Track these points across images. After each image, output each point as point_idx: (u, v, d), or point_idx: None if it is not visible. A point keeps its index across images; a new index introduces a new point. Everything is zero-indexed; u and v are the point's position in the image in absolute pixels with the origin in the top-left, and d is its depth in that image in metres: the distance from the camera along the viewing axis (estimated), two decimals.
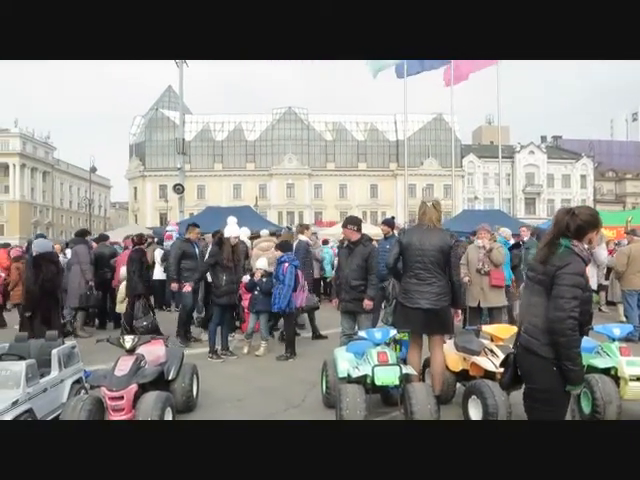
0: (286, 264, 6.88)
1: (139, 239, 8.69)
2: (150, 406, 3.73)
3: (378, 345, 4.40)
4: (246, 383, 5.71)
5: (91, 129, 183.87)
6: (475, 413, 4.10)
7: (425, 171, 61.04)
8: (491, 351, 4.54)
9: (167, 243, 11.05)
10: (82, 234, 9.71)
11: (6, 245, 13.33)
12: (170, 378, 4.51)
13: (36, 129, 68.89)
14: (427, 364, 5.09)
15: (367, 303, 5.54)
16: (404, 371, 4.15)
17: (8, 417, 3.63)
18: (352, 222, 5.82)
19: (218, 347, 6.83)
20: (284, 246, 7.32)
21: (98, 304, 8.95)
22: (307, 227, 9.71)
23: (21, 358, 4.24)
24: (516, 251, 9.54)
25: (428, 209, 4.75)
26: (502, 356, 4.37)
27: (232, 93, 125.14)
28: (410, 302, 4.65)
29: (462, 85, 25.75)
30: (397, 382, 4.09)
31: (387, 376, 4.08)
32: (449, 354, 4.91)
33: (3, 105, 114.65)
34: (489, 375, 4.39)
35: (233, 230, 7.21)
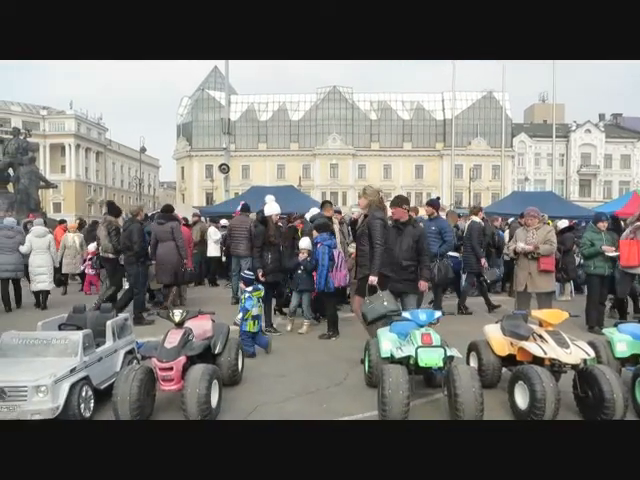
0: (319, 244, 6.92)
1: (289, 217, 8.81)
2: (198, 378, 3.85)
3: (422, 326, 4.36)
4: (289, 359, 5.81)
5: (140, 110, 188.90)
6: (521, 399, 4.00)
7: (473, 151, 59.22)
8: (540, 336, 4.40)
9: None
10: (171, 210, 9.00)
11: (62, 221, 14.15)
12: (217, 352, 4.63)
13: (89, 111, 71.57)
14: (472, 347, 5.01)
15: (423, 284, 5.76)
16: (449, 353, 4.09)
17: (67, 383, 3.84)
18: (406, 202, 5.96)
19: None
20: (321, 227, 7.32)
21: (193, 279, 9.11)
22: (480, 209, 9.71)
23: (78, 328, 4.47)
24: (569, 234, 9.17)
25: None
26: (552, 342, 4.25)
27: (277, 72, 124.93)
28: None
29: (514, 61, 24.60)
30: (441, 364, 4.04)
31: (431, 358, 4.04)
32: (495, 338, 4.81)
33: (59, 88, 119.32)
34: (537, 361, 4.26)
35: (274, 208, 7.26)
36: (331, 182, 61.25)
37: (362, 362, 5.06)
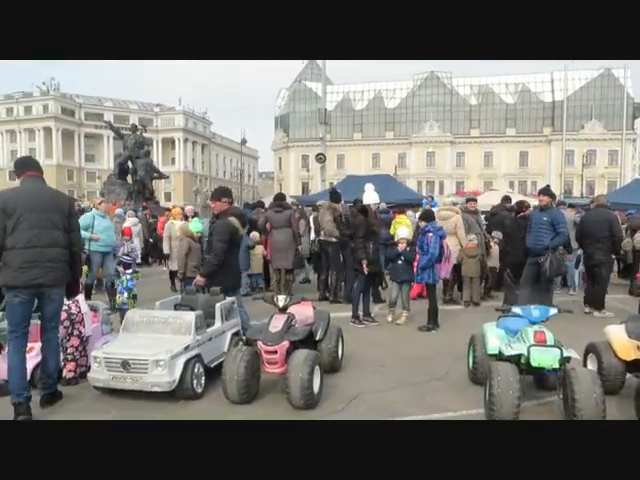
0: (430, 234, 6.70)
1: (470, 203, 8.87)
2: (301, 362, 3.93)
3: (535, 323, 4.06)
4: (388, 350, 5.74)
5: (241, 103, 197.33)
6: None
7: (586, 135, 54.33)
8: None
9: None
10: (284, 198, 9.45)
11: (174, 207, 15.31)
12: (318, 338, 4.70)
13: (195, 106, 76.23)
14: (590, 349, 4.59)
15: (197, 280, 5.37)
16: (565, 354, 3.77)
17: (182, 359, 4.13)
18: (225, 194, 5.73)
19: (360, 313, 6.96)
20: (427, 216, 7.13)
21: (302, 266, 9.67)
22: None
23: (191, 309, 4.78)
24: None
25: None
26: None
27: (372, 60, 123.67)
28: None
29: None
30: (556, 365, 3.74)
31: (545, 358, 3.75)
32: (619, 340, 4.36)
33: (170, 86, 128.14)
34: None
35: (373, 197, 7.18)
36: (427, 171, 59.66)
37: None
